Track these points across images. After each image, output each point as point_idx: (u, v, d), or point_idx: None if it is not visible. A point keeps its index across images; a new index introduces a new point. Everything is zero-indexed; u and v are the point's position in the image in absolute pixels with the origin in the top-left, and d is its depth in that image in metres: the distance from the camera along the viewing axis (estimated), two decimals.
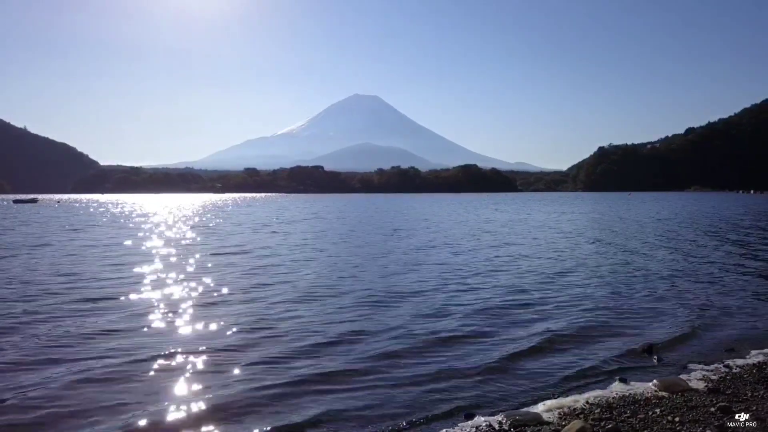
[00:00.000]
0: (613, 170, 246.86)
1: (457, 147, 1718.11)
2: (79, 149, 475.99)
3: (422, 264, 17.58)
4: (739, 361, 7.69)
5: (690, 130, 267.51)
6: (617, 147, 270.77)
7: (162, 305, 11.14)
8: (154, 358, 7.80)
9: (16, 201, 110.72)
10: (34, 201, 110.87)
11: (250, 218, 48.45)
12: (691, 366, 7.54)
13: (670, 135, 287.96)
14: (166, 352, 8.03)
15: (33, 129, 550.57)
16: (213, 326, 9.49)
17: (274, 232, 32.54)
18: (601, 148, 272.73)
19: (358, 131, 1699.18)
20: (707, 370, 7.31)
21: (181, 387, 6.76)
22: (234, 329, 9.29)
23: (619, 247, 22.46)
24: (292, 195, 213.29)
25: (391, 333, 9.06)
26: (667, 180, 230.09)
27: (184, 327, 9.44)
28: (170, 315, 10.35)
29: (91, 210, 72.29)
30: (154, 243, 25.44)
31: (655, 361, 7.80)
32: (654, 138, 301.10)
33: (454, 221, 41.50)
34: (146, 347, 8.27)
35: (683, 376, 7.04)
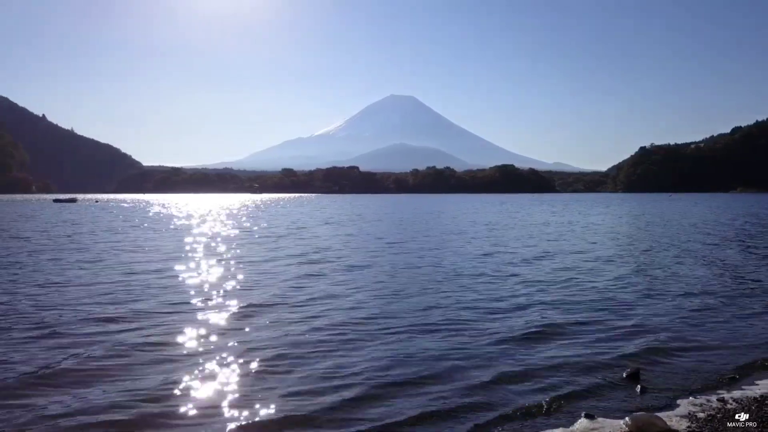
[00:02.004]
0: (654, 171, 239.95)
1: (494, 147, 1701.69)
2: (123, 150, 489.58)
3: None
4: (737, 394, 6.55)
5: (736, 129, 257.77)
6: (659, 147, 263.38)
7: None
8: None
9: (55, 200, 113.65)
10: (73, 200, 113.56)
11: (310, 220, 48.19)
12: (679, 399, 6.43)
13: (715, 134, 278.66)
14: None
15: (79, 130, 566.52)
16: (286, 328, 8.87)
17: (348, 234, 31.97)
18: (642, 148, 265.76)
19: (394, 131, 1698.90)
20: (696, 405, 6.21)
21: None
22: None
23: (635, 255, 21.01)
24: (328, 195, 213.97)
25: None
26: (710, 181, 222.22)
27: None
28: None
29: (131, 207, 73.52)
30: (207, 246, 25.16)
31: (638, 390, 6.73)
32: (698, 138, 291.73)
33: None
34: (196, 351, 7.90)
35: (664, 413, 5.97)
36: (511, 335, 9.05)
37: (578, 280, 14.73)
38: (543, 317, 10.33)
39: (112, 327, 9.46)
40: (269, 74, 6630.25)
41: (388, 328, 9.39)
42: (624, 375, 7.16)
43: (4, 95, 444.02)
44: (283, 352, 8.09)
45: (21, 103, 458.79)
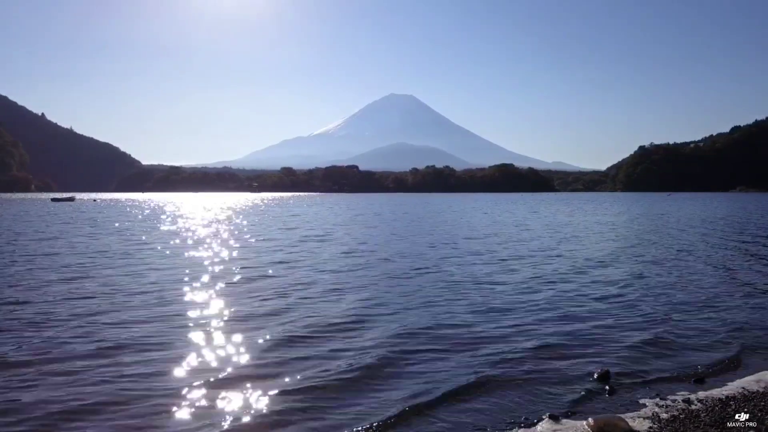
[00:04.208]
0: (653, 170, 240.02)
1: (494, 146, 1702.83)
2: (122, 149, 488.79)
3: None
4: (703, 394, 6.60)
5: (736, 129, 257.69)
6: (659, 146, 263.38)
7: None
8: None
9: (53, 200, 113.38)
10: (71, 200, 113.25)
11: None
12: (645, 399, 6.49)
13: (714, 134, 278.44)
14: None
15: (79, 129, 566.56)
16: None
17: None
18: (641, 148, 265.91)
19: (394, 131, 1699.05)
20: (660, 406, 6.25)
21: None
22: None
23: (620, 256, 21.04)
24: (328, 195, 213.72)
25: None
26: (710, 180, 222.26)
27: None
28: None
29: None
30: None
31: (607, 391, 6.80)
32: (698, 137, 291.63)
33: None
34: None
35: (629, 414, 6.04)
36: (480, 334, 9.14)
37: (555, 280, 14.71)
38: (514, 316, 10.44)
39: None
40: (268, 73, 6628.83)
41: (368, 327, 9.47)
42: (594, 376, 7.23)
43: (3, 94, 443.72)
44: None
45: (20, 102, 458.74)
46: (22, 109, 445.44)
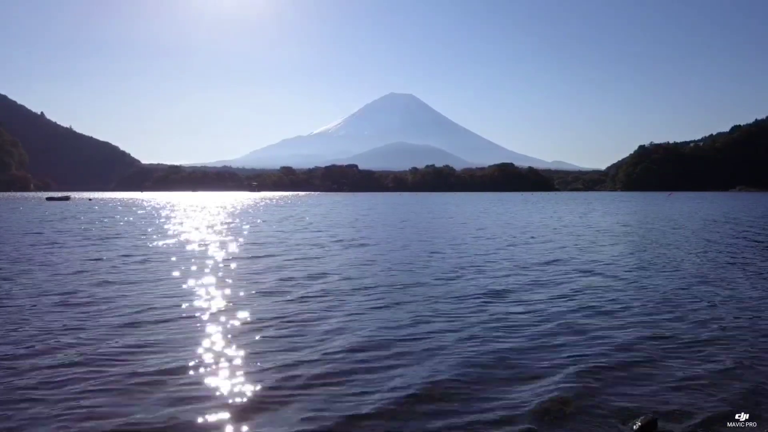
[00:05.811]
0: (653, 169, 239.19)
1: (494, 146, 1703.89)
2: (122, 148, 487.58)
3: None
4: None
5: (736, 128, 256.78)
6: (658, 146, 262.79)
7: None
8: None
9: (48, 198, 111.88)
10: (66, 199, 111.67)
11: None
12: None
13: (714, 133, 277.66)
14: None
15: (78, 128, 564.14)
16: None
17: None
18: (641, 147, 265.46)
19: (394, 130, 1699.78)
20: None
21: None
22: None
23: (655, 266, 19.50)
24: (328, 194, 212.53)
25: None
26: (710, 180, 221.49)
27: None
28: None
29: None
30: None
31: None
32: (698, 136, 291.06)
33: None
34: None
35: None
36: (494, 366, 7.60)
37: (586, 303, 11.90)
38: (541, 342, 8.71)
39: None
40: (268, 72, 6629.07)
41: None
42: (636, 426, 5.68)
43: (2, 93, 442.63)
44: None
45: (19, 101, 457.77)
46: (22, 108, 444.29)
